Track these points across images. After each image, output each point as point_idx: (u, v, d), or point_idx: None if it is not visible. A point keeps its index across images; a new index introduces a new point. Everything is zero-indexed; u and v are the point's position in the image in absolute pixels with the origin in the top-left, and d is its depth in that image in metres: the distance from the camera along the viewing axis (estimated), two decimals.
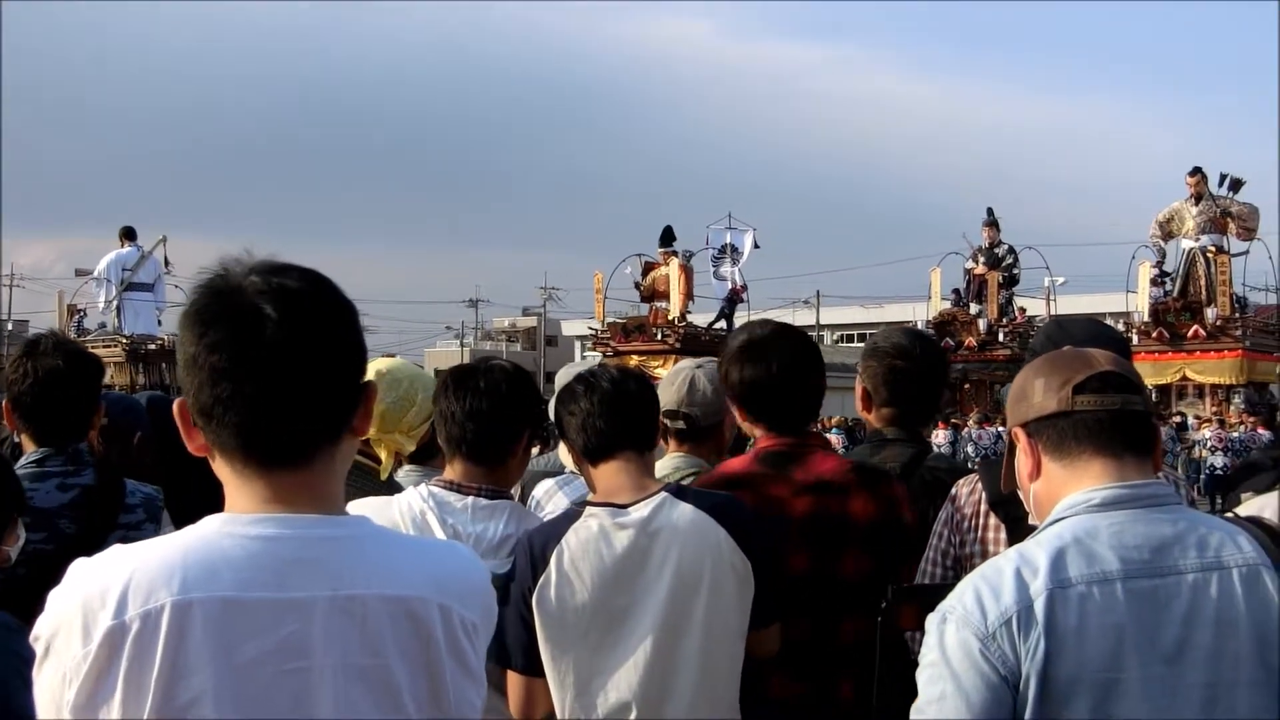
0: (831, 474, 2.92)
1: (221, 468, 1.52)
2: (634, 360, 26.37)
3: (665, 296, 27.40)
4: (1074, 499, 1.91)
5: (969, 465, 19.97)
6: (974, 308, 26.88)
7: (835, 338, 77.13)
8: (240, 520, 1.48)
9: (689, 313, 28.10)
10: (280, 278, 1.50)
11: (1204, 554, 1.86)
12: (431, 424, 3.37)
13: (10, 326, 40.35)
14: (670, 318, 27.13)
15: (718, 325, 28.45)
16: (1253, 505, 2.79)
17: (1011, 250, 27.40)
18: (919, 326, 28.35)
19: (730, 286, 28.43)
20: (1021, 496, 2.07)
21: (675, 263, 27.31)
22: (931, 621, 1.86)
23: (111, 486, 2.92)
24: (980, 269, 27.05)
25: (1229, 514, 2.17)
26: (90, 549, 2.72)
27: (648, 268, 28.09)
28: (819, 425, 26.78)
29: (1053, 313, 29.43)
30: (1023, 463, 2.03)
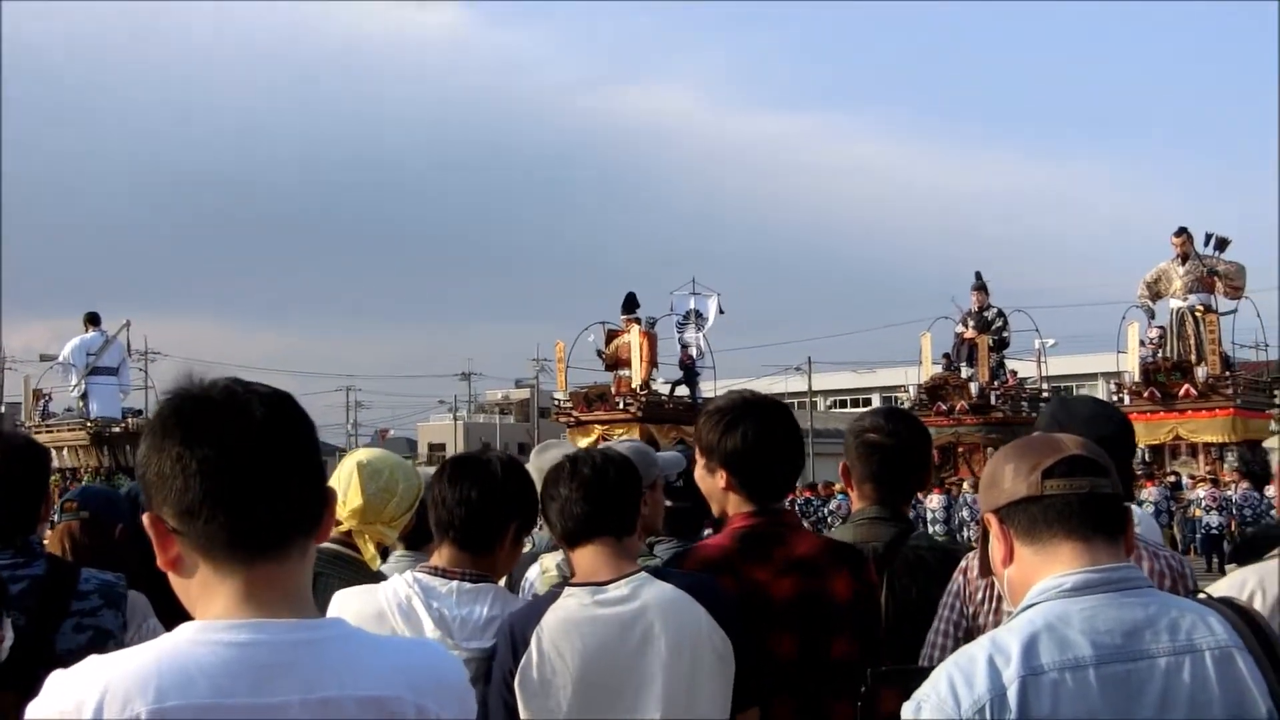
0: (811, 554, 2.93)
1: (195, 579, 1.54)
2: (596, 430, 26.16)
3: (629, 364, 27.05)
4: (1045, 584, 1.93)
5: (955, 540, 19.69)
6: (965, 371, 26.94)
7: (828, 403, 77.24)
8: (214, 627, 1.50)
9: (653, 381, 27.79)
10: (254, 386, 1.58)
11: (1176, 637, 1.87)
12: (416, 513, 3.43)
13: (3, 409, 40.50)
14: (633, 386, 26.81)
15: (680, 392, 28.28)
16: (1234, 579, 2.81)
17: (1001, 314, 27.54)
18: (910, 390, 28.56)
19: (684, 355, 28.15)
20: (996, 582, 2.09)
21: (637, 330, 26.98)
22: (907, 709, 1.87)
23: (62, 576, 2.93)
24: (970, 333, 27.17)
25: (1201, 594, 2.18)
26: (42, 638, 2.77)
27: (611, 335, 27.77)
28: (820, 493, 26.79)
29: (1044, 374, 29.55)
30: (996, 548, 2.04)
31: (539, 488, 2.88)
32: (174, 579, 1.57)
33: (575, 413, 27.51)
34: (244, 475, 1.51)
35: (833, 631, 2.86)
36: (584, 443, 23.68)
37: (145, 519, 1.55)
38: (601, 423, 26.64)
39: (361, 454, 3.47)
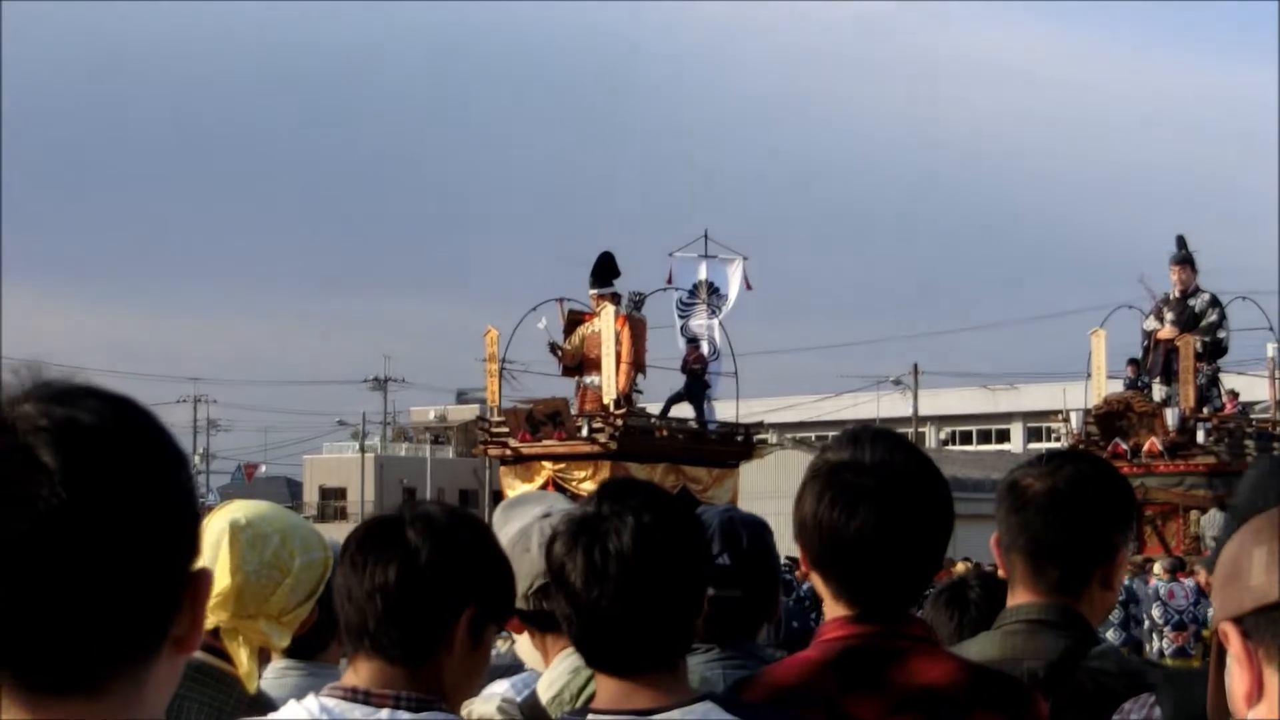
0: (943, 684, 2.94)
1: None
2: (544, 469, 25.48)
3: (599, 366, 25.69)
4: None
5: (1142, 653, 18.98)
6: (1159, 391, 26.92)
7: (942, 436, 77.26)
8: None
9: (637, 393, 26.89)
10: (69, 408, 1.52)
11: None
12: (318, 604, 3.44)
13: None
14: (604, 401, 25.62)
15: (680, 413, 27.63)
16: None
17: (1216, 302, 27.47)
18: (1073, 418, 28.45)
19: (691, 354, 27.42)
20: None
21: (613, 312, 25.41)
22: None
23: None
24: (1167, 330, 27.10)
25: None
26: None
27: (573, 321, 26.39)
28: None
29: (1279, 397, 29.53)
30: (1237, 675, 2.03)
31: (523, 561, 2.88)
32: None
33: (512, 441, 26.49)
34: (17, 570, 1.46)
35: None
36: (525, 488, 22.92)
37: None
38: (553, 458, 25.84)
39: (239, 509, 3.48)
